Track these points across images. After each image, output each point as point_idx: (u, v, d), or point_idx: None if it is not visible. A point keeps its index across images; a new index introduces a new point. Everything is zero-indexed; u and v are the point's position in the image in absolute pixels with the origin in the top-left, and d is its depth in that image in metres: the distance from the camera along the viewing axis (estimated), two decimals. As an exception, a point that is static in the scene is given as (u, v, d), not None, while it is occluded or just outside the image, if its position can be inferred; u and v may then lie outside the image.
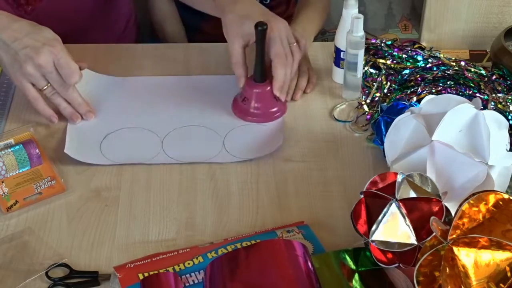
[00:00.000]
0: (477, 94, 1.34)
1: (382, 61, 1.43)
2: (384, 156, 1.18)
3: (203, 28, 1.72)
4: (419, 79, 1.39)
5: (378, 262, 1.01)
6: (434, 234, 0.94)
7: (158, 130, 1.30)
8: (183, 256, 1.06)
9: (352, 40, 1.32)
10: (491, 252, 0.90)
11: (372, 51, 1.46)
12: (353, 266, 1.03)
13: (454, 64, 1.41)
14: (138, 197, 1.19)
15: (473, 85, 1.37)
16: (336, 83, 1.42)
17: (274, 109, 1.33)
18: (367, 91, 1.38)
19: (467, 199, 0.94)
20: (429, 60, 1.42)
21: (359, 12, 1.33)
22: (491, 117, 1.11)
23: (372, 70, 1.43)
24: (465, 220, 0.93)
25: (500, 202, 0.94)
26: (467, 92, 1.36)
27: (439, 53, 1.45)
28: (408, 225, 1.00)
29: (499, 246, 0.91)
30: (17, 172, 1.19)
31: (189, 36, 1.78)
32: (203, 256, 1.05)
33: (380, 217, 1.00)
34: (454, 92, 1.35)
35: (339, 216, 1.15)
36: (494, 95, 1.34)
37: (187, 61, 1.47)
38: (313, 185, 1.22)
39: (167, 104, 1.36)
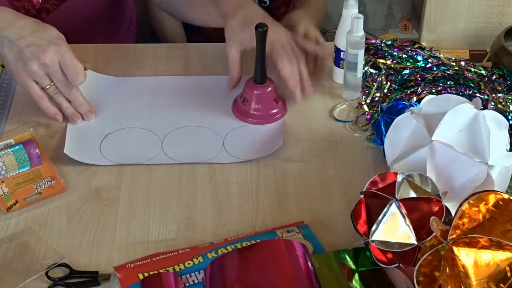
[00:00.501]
0: (477, 94, 1.34)
1: (382, 61, 1.43)
2: (384, 156, 1.18)
3: (203, 28, 1.72)
4: (419, 79, 1.39)
5: (378, 262, 1.01)
6: (434, 234, 0.94)
7: (158, 131, 1.30)
8: (183, 256, 1.06)
9: (352, 40, 1.32)
10: (491, 252, 0.90)
11: (372, 51, 1.46)
12: (353, 266, 1.03)
13: (454, 64, 1.41)
14: (138, 197, 1.19)
15: (473, 85, 1.37)
16: (336, 83, 1.42)
17: (274, 111, 1.33)
18: (367, 91, 1.38)
19: (467, 199, 0.94)
20: (429, 60, 1.42)
21: (359, 12, 1.33)
22: (491, 117, 1.11)
23: (372, 70, 1.43)
24: (465, 220, 0.93)
25: (500, 202, 0.94)
26: (467, 92, 1.36)
27: (439, 53, 1.45)
28: (408, 225, 1.00)
29: (499, 246, 0.91)
30: (17, 172, 1.19)
31: (189, 36, 1.78)
32: (203, 256, 1.05)
33: (380, 217, 1.00)
34: (454, 92, 1.35)
35: (339, 216, 1.15)
36: (494, 95, 1.34)
37: (187, 61, 1.47)
38: (313, 185, 1.22)
39: (167, 104, 1.36)
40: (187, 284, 1.02)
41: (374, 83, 1.39)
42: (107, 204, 1.17)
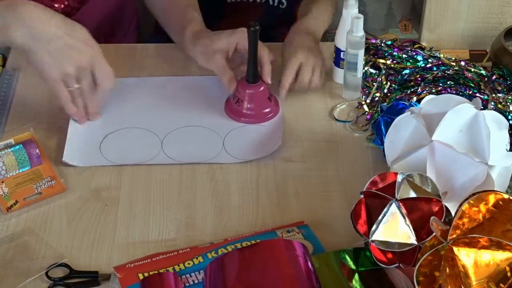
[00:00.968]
0: (477, 94, 1.34)
1: (382, 61, 1.43)
2: (384, 156, 1.18)
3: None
4: (419, 79, 1.39)
5: (378, 262, 1.01)
6: (434, 234, 0.94)
7: (158, 131, 1.30)
8: (183, 256, 1.06)
9: (352, 40, 1.32)
10: (491, 252, 0.90)
11: (372, 51, 1.46)
12: (353, 266, 1.03)
13: (454, 64, 1.41)
14: (138, 197, 1.19)
15: (473, 85, 1.37)
16: (336, 83, 1.42)
17: (267, 110, 1.33)
18: (367, 91, 1.38)
19: (467, 199, 0.94)
20: (429, 60, 1.42)
21: (359, 12, 1.33)
22: (491, 117, 1.11)
23: (372, 70, 1.43)
24: (465, 220, 0.93)
25: (500, 202, 0.94)
26: (467, 92, 1.36)
27: (439, 53, 1.45)
28: (408, 225, 1.00)
29: (499, 246, 0.91)
30: (17, 172, 1.19)
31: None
32: (203, 256, 1.05)
33: (380, 217, 1.00)
34: (454, 92, 1.35)
35: (339, 216, 1.15)
36: (494, 95, 1.34)
37: (187, 61, 1.47)
38: (313, 185, 1.22)
39: (167, 105, 1.36)
40: (187, 284, 1.02)
41: (374, 83, 1.39)
42: (107, 204, 1.17)
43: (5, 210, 1.15)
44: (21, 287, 1.04)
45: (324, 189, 1.21)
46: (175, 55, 1.49)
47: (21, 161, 1.19)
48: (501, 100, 1.32)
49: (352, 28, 1.31)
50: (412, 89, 1.37)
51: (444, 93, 1.33)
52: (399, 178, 1.02)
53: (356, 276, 1.02)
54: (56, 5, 1.44)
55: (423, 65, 1.41)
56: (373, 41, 1.47)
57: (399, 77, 1.39)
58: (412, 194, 1.01)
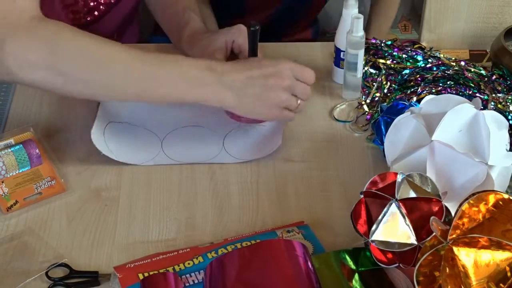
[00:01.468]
0: (477, 94, 1.34)
1: (382, 61, 1.43)
2: (384, 156, 1.18)
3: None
4: (419, 79, 1.39)
5: (378, 262, 1.01)
6: (434, 234, 0.94)
7: (158, 131, 1.30)
8: (183, 256, 1.06)
9: (352, 40, 1.32)
10: (491, 252, 0.90)
11: (372, 51, 1.46)
12: (353, 266, 1.03)
13: (454, 64, 1.41)
14: (138, 197, 1.19)
15: (473, 85, 1.37)
16: (336, 83, 1.42)
17: None
18: (367, 91, 1.38)
19: (467, 199, 0.94)
20: (429, 60, 1.42)
21: (359, 12, 1.33)
22: (491, 117, 1.11)
23: (372, 70, 1.42)
24: (465, 220, 0.93)
25: (500, 202, 0.94)
26: (467, 92, 1.36)
27: (439, 53, 1.45)
28: (408, 225, 1.00)
29: (499, 246, 0.91)
30: (17, 172, 1.19)
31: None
32: (203, 256, 1.05)
33: (380, 217, 1.00)
34: (454, 92, 1.35)
35: (339, 216, 1.15)
36: (494, 95, 1.34)
37: (187, 61, 1.47)
38: (313, 185, 1.22)
39: (167, 104, 1.36)
40: (187, 284, 1.02)
41: (374, 83, 1.39)
42: (107, 204, 1.17)
43: (5, 210, 1.15)
44: (21, 287, 1.04)
45: (324, 189, 1.21)
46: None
47: (21, 161, 1.19)
48: (501, 100, 1.32)
49: (352, 28, 1.31)
50: (412, 89, 1.37)
51: (444, 93, 1.33)
52: (399, 178, 1.02)
53: (356, 276, 1.02)
54: (81, 14, 1.44)
55: (423, 65, 1.41)
56: (373, 41, 1.47)
57: (399, 77, 1.39)
58: (412, 194, 1.01)
